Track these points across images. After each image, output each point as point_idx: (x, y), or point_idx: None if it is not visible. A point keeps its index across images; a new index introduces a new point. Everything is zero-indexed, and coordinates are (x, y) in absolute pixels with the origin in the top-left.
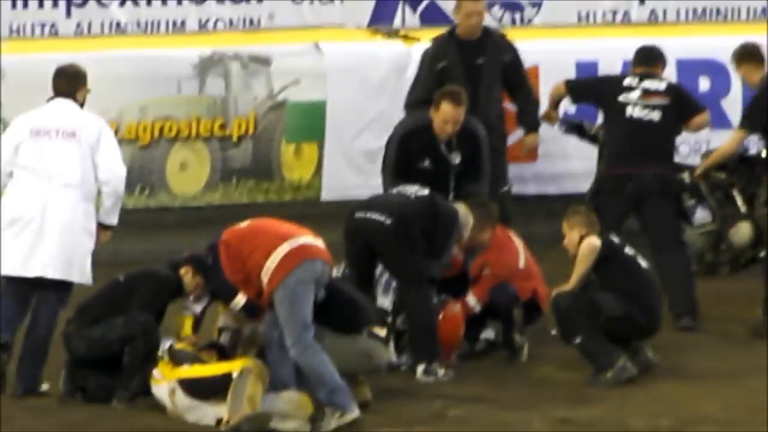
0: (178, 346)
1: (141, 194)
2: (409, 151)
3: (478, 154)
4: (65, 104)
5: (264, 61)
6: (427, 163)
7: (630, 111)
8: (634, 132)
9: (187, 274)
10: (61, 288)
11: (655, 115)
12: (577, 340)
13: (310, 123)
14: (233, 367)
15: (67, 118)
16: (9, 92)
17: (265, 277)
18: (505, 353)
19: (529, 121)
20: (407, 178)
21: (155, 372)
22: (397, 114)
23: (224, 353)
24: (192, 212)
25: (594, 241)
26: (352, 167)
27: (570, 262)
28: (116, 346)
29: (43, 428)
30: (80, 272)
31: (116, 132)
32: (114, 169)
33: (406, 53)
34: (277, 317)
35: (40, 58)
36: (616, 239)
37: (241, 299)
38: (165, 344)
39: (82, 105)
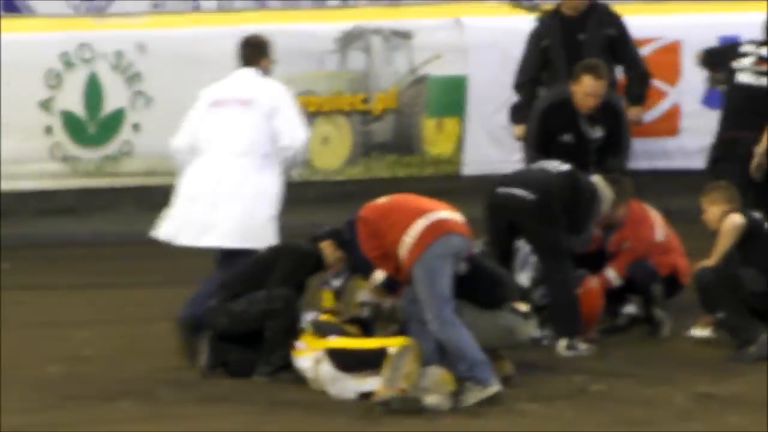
0: (323, 317)
1: None
2: (550, 126)
3: (619, 128)
4: (246, 73)
5: (405, 36)
6: (568, 137)
7: (740, 77)
8: (743, 97)
9: (328, 248)
10: (242, 256)
11: (765, 81)
12: (720, 316)
13: (451, 98)
14: (389, 342)
15: (245, 86)
16: (152, 66)
17: (403, 252)
18: (647, 328)
19: (633, 95)
20: (548, 153)
21: (299, 343)
22: None
23: (366, 328)
24: (333, 186)
25: (738, 219)
26: (493, 142)
27: (710, 237)
28: (258, 320)
29: (186, 401)
30: (258, 238)
31: None
32: (294, 136)
33: None
34: (416, 292)
35: (182, 33)
36: (757, 215)
37: (379, 275)
38: (307, 317)
39: (265, 74)
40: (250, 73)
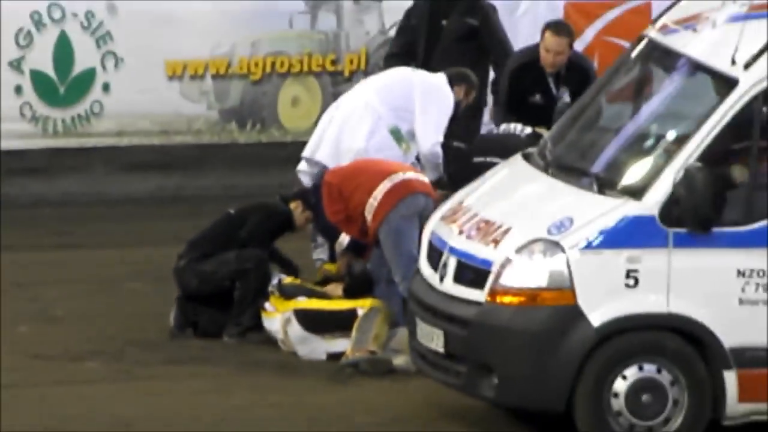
0: (287, 281)
1: (253, 129)
2: (519, 86)
3: (587, 88)
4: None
5: None
6: (537, 97)
7: None
8: None
9: (297, 208)
10: None
11: None
12: None
13: None
14: (359, 304)
15: (424, 74)
16: (122, 27)
17: (368, 214)
18: None
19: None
20: (518, 113)
21: (267, 305)
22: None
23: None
24: (303, 147)
25: None
26: None
27: None
28: (228, 281)
29: (154, 362)
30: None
31: (228, 67)
32: (421, 141)
33: None
34: (384, 253)
35: None
36: None
37: (344, 239)
38: (274, 279)
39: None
40: (442, 77)
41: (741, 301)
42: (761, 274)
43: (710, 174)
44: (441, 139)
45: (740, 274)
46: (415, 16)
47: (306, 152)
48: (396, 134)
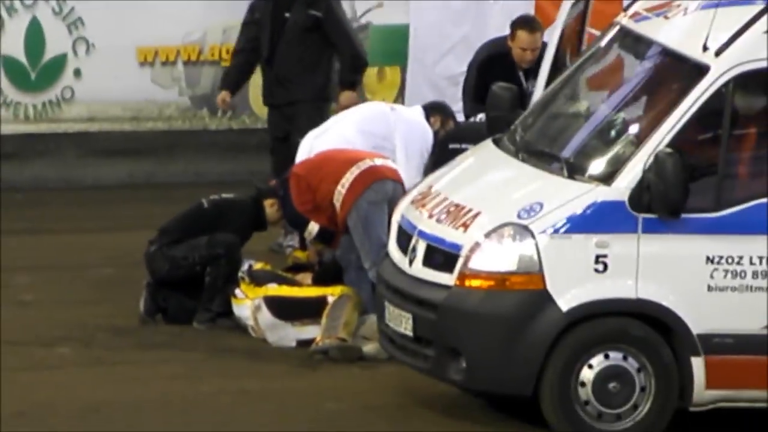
0: (257, 266)
1: (224, 116)
2: (487, 78)
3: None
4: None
5: None
6: None
7: None
8: None
9: (273, 206)
10: None
11: None
12: None
13: (393, 46)
14: (329, 291)
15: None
16: (93, 13)
17: (337, 202)
18: None
19: (343, 79)
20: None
21: (237, 291)
22: (480, 39)
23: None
24: None
25: None
26: (434, 91)
27: None
28: (199, 266)
29: (124, 347)
30: None
31: (199, 54)
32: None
33: None
34: (353, 240)
35: None
36: None
37: (313, 227)
38: (244, 265)
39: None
40: (419, 110)
41: (709, 288)
42: (730, 260)
43: (680, 160)
44: (421, 176)
45: (709, 260)
46: (258, 10)
47: None
48: None
